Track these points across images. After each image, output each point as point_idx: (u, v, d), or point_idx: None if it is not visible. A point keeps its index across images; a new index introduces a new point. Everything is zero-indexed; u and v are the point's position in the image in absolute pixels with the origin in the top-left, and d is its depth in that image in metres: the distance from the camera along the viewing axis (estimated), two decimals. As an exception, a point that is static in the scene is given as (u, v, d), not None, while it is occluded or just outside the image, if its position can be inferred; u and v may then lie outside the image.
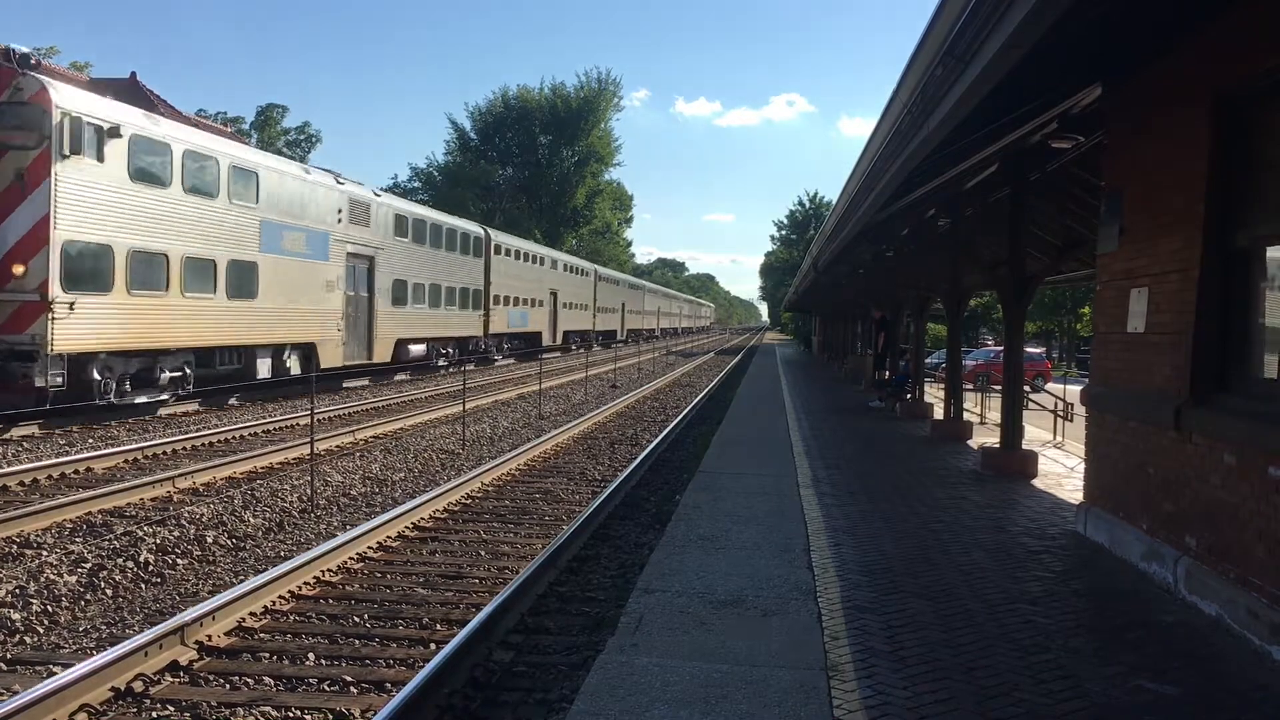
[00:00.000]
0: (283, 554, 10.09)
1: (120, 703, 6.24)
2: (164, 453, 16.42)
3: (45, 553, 9.66)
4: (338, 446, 17.49)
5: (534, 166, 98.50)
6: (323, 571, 9.19)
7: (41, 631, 7.62)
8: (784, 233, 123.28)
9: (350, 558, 9.76)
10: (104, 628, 7.76)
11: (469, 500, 13.01)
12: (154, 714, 6.10)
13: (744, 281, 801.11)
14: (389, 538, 10.70)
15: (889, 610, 7.01)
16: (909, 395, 24.00)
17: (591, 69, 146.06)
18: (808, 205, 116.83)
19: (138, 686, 6.41)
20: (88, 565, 9.16)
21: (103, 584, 8.78)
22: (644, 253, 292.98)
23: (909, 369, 25.03)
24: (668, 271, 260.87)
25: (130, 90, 35.92)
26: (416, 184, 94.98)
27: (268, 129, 79.40)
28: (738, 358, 61.46)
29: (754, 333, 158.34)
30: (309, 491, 12.66)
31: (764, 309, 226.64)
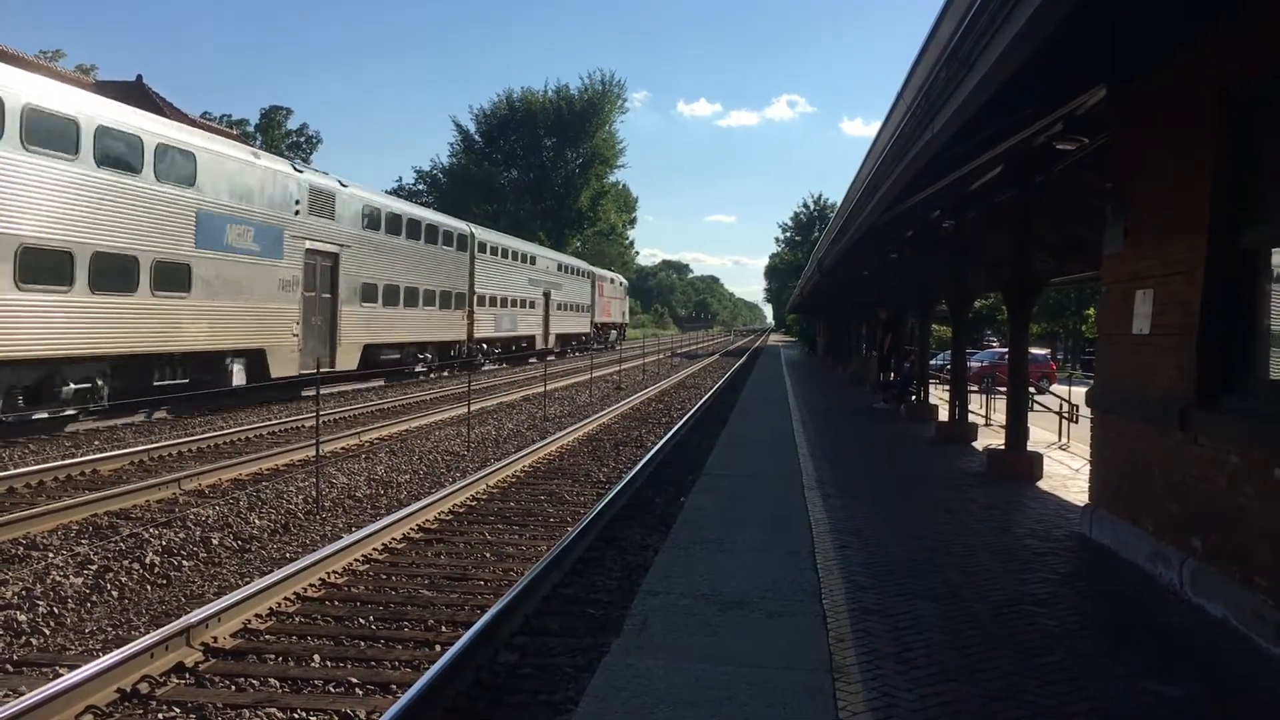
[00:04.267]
0: (288, 556, 10.11)
1: (126, 704, 6.25)
2: (169, 455, 16.45)
3: (51, 554, 9.69)
4: (343, 448, 17.52)
5: (538, 169, 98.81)
6: (328, 573, 9.20)
7: (48, 633, 7.64)
8: (788, 234, 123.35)
9: (355, 559, 9.78)
10: (110, 629, 7.78)
11: (474, 502, 13.02)
12: (160, 715, 6.11)
13: (748, 283, 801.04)
14: (394, 539, 10.71)
15: (894, 612, 7.00)
16: (914, 397, 23.99)
17: (595, 71, 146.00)
18: (812, 207, 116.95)
19: (144, 688, 6.43)
20: (94, 567, 9.19)
21: (109, 585, 8.80)
22: (648, 254, 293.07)
23: (913, 370, 25.02)
24: (672, 273, 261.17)
25: (136, 93, 36.06)
26: (421, 187, 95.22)
27: (271, 131, 79.72)
28: (742, 359, 61.48)
29: (758, 335, 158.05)
30: (314, 493, 12.68)
31: (769, 311, 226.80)
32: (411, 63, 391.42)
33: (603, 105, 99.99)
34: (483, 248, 41.92)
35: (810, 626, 6.57)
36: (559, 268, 57.81)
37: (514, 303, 47.03)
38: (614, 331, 79.58)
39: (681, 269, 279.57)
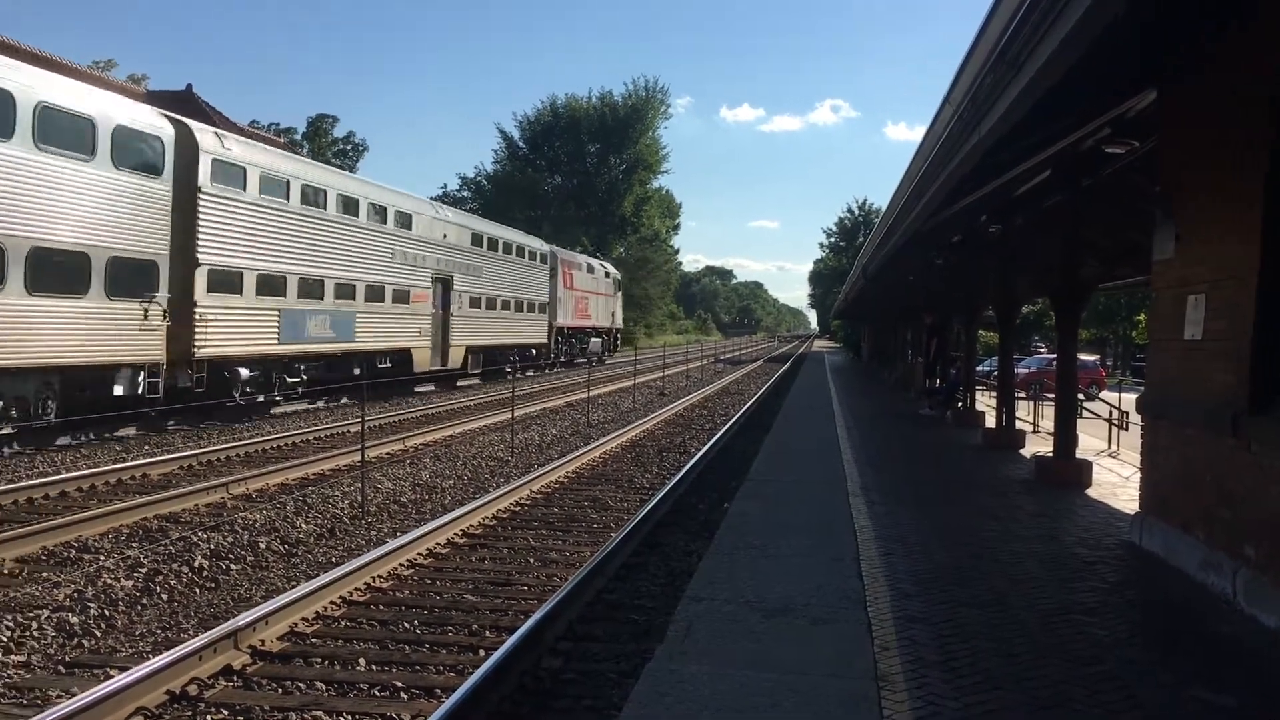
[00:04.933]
0: (334, 560, 10.20)
1: (175, 706, 6.33)
2: (218, 459, 16.66)
3: (103, 557, 9.84)
4: (388, 454, 17.64)
5: (582, 175, 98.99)
6: (373, 578, 9.27)
7: (99, 635, 7.76)
8: (833, 240, 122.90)
9: (400, 564, 9.84)
10: (159, 632, 7.89)
11: (518, 508, 13.06)
12: (208, 717, 6.19)
13: (792, 288, 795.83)
14: (439, 544, 10.77)
15: (940, 619, 6.94)
16: (960, 403, 23.78)
17: (639, 77, 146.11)
18: (856, 212, 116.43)
19: (192, 690, 6.51)
20: (144, 570, 9.31)
21: (158, 588, 8.91)
22: (691, 260, 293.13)
23: (959, 377, 24.80)
24: (716, 279, 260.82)
25: (186, 102, 36.64)
26: (466, 193, 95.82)
27: (318, 139, 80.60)
28: (786, 365, 61.25)
29: (802, 340, 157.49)
30: (360, 498, 12.79)
31: (813, 316, 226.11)
32: (454, 70, 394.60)
33: (646, 111, 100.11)
34: (229, 175, 21.57)
35: (855, 634, 6.53)
36: (474, 240, 36.28)
37: (346, 292, 26.46)
38: (596, 339, 55.89)
39: (725, 275, 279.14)
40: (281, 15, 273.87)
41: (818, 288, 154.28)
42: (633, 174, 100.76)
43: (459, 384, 35.51)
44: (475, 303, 35.75)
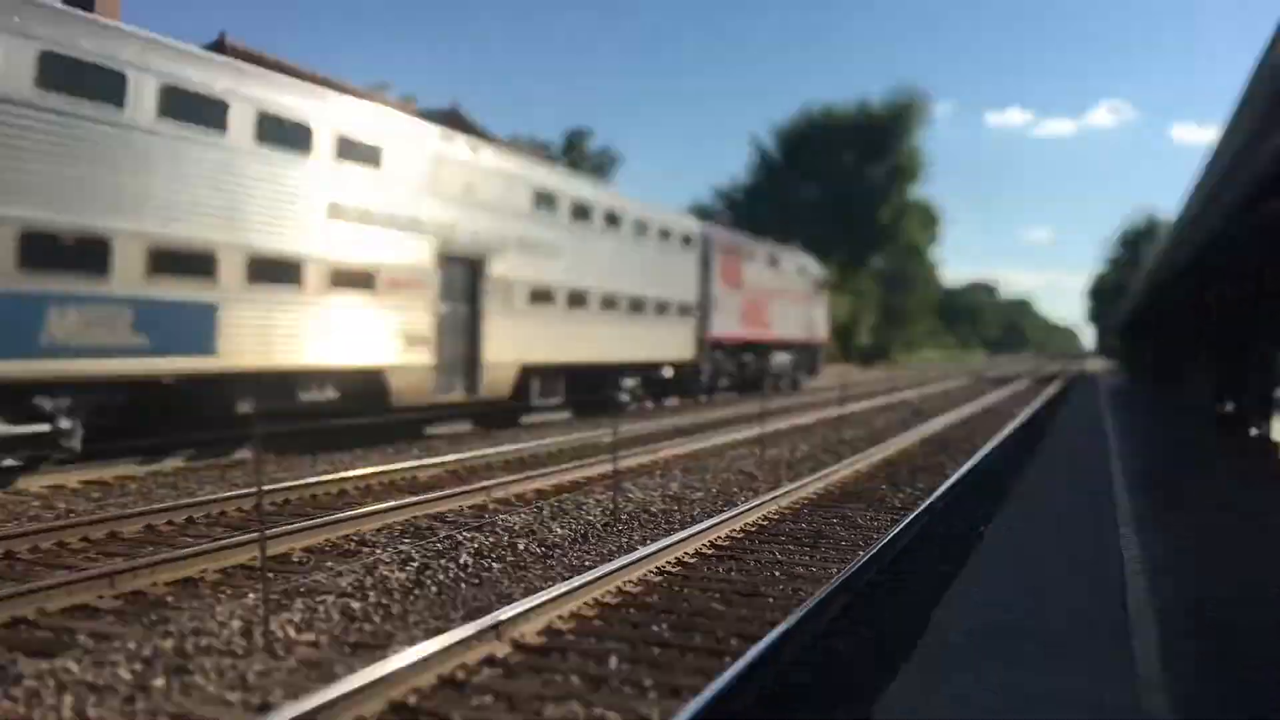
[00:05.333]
0: (587, 564, 10.52)
1: (445, 689, 6.73)
2: (479, 465, 17.57)
3: (378, 550, 10.57)
4: (638, 465, 18.03)
5: (838, 185, 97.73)
6: (624, 582, 9.51)
7: (377, 620, 8.32)
8: (1112, 253, 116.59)
9: (649, 571, 10.05)
10: (430, 620, 8.38)
11: (765, 522, 13.07)
12: (474, 701, 6.55)
13: (1063, 303, 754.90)
14: (687, 554, 10.93)
15: (1211, 654, 6.47)
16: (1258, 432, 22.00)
17: (899, 82, 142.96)
18: (1140, 222, 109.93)
19: (459, 675, 6.91)
20: (415, 564, 9.93)
21: (428, 581, 9.48)
22: (953, 273, 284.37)
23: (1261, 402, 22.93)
24: (980, 294, 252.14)
25: (452, 119, 38.87)
26: (719, 206, 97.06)
27: (574, 152, 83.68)
28: (1055, 386, 58.36)
29: (1075, 359, 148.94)
30: (611, 506, 13.15)
31: (1089, 334, 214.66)
32: (707, 78, 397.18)
33: (905, 119, 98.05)
34: None
35: (1116, 667, 6.18)
36: (540, 200, 23.25)
37: (189, 266, 14.48)
38: (783, 355, 41.03)
39: (989, 289, 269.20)
40: (534, 29, 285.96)
41: (1096, 303, 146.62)
42: (891, 184, 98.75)
43: (521, 420, 24.15)
44: (541, 296, 23.36)
